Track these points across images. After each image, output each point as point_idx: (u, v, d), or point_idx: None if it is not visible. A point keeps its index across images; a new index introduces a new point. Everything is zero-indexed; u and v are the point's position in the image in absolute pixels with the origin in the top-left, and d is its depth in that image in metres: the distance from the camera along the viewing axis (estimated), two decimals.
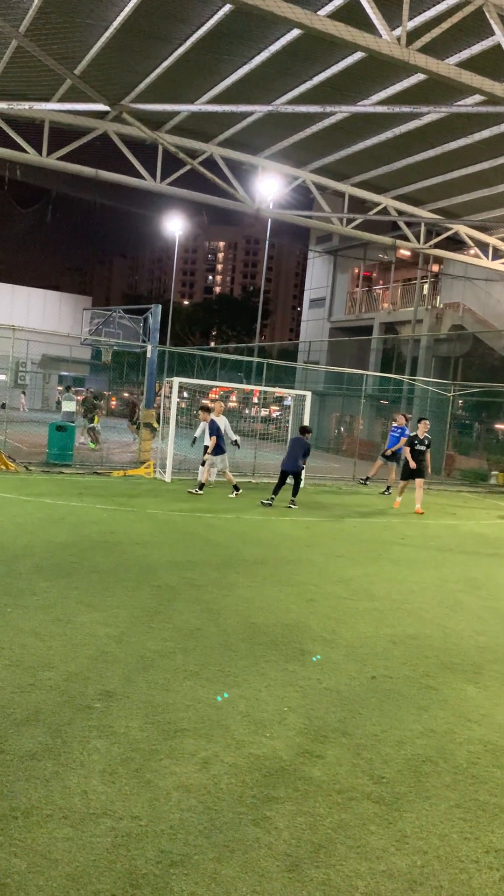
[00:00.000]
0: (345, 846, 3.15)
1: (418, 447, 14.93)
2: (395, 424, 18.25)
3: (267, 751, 3.94)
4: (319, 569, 8.72)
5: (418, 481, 14.91)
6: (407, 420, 18.35)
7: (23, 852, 2.89)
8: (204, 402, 17.52)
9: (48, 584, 6.81)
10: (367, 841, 3.21)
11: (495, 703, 4.95)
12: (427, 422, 15.27)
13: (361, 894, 2.84)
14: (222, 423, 15.98)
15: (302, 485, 14.77)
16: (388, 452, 18.18)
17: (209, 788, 3.50)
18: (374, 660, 5.58)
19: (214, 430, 14.49)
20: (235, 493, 14.61)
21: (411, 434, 15.49)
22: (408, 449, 15.08)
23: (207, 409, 15.22)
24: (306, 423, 18.13)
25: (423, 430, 14.92)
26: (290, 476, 14.18)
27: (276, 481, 14.51)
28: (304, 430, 14.75)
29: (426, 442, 14.94)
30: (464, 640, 6.32)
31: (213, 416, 15.61)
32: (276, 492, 14.12)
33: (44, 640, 5.32)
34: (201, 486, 14.55)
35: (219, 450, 14.56)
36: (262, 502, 13.78)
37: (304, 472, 14.47)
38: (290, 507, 13.72)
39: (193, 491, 14.47)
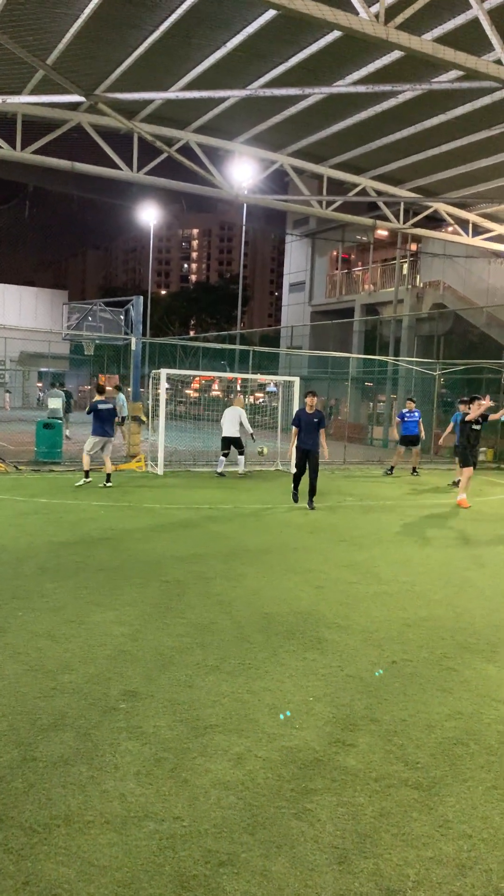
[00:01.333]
0: (389, 834, 3.14)
1: (475, 427, 13.41)
2: (406, 410, 17.92)
3: (299, 742, 3.92)
4: (325, 555, 8.71)
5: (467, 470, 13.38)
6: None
7: (70, 860, 2.85)
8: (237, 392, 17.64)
9: (55, 585, 6.75)
10: (410, 828, 3.20)
11: None
12: (481, 401, 13.33)
13: (413, 882, 2.83)
14: (237, 414, 16.08)
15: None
16: (400, 437, 17.99)
17: (247, 784, 3.48)
18: (391, 644, 5.57)
19: (92, 407, 13.67)
20: (84, 480, 13.63)
21: (465, 415, 13.63)
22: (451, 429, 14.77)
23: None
24: (294, 408, 18.10)
25: (476, 412, 13.14)
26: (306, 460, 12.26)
27: (270, 467, 14.46)
28: (306, 396, 12.83)
29: (479, 421, 13.40)
30: (476, 620, 6.33)
31: (234, 405, 16.37)
32: (298, 481, 12.60)
33: (59, 642, 5.27)
34: (107, 477, 13.66)
35: (98, 430, 13.64)
36: (295, 497, 12.52)
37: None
38: (309, 508, 12.06)
39: (79, 482, 13.60)
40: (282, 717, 4.21)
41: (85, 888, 2.71)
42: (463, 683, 4.88)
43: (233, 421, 16.14)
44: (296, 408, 17.81)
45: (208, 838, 3.04)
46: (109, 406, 13.90)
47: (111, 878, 2.77)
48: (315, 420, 12.27)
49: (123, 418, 21.80)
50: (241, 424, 16.08)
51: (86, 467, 13.81)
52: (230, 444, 16.27)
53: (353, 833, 3.13)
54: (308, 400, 12.51)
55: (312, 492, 12.26)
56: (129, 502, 12.02)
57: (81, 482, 13.60)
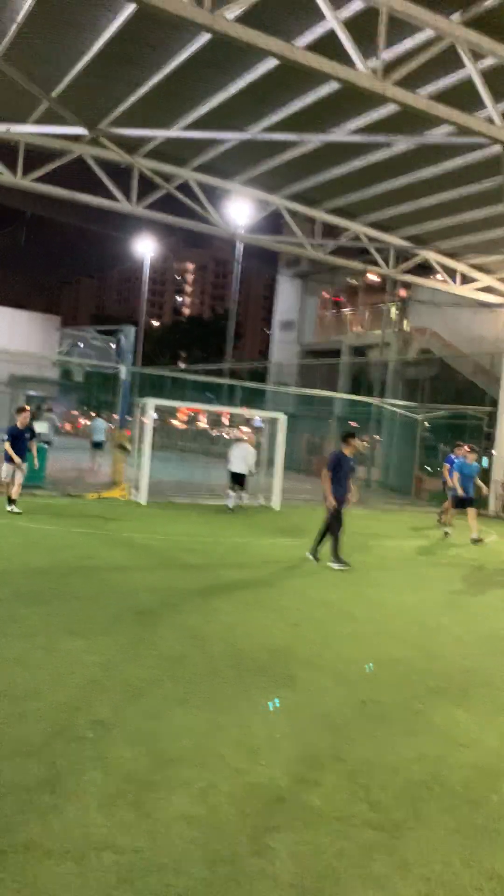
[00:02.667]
0: (348, 875, 3.14)
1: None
2: (456, 456, 15.84)
3: (263, 779, 3.92)
4: (300, 592, 8.72)
5: (471, 510, 14.80)
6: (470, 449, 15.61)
7: (26, 889, 2.83)
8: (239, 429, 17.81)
9: (29, 612, 6.72)
10: (370, 869, 3.20)
11: (483, 726, 4.99)
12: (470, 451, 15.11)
13: None
14: (246, 451, 16.45)
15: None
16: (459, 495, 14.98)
17: (209, 819, 3.47)
18: (362, 684, 5.59)
19: (11, 434, 12.94)
20: (10, 507, 12.60)
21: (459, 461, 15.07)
22: (457, 475, 14.69)
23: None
24: (280, 444, 18.18)
25: (472, 458, 14.98)
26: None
27: (253, 502, 14.48)
28: (345, 437, 11.07)
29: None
30: (448, 663, 6.37)
31: (246, 442, 16.77)
32: (323, 540, 10.65)
33: (29, 669, 5.24)
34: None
35: (17, 454, 12.69)
36: (310, 556, 10.70)
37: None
38: (338, 566, 10.26)
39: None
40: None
41: None
42: (430, 726, 4.90)
43: (243, 458, 16.32)
44: (281, 444, 17.92)
45: (167, 872, 3.03)
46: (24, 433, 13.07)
47: None
48: (353, 467, 10.98)
49: (101, 443, 21.88)
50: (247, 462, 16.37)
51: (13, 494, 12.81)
52: (238, 479, 16.34)
53: (312, 872, 3.13)
54: (354, 442, 11.00)
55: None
56: (108, 531, 12.00)
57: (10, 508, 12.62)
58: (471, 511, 14.67)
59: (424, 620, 7.92)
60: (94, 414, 24.57)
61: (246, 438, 17.13)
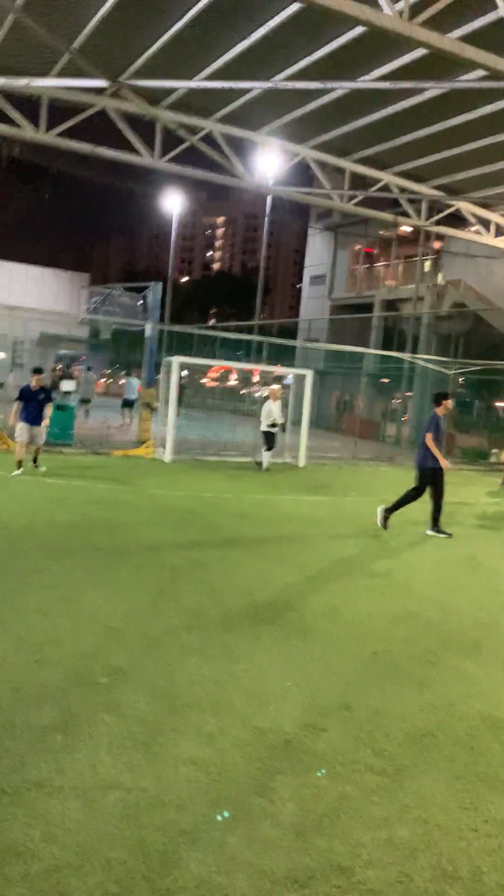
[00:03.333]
0: (348, 816, 3.24)
1: None
2: None
3: (271, 725, 4.03)
4: (321, 547, 8.80)
5: None
6: None
7: (37, 822, 2.98)
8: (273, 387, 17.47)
9: (52, 564, 6.89)
10: (369, 812, 3.30)
11: (494, 678, 5.04)
12: None
13: (364, 861, 2.93)
14: (268, 408, 16.22)
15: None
16: None
17: (214, 761, 3.59)
18: (375, 637, 5.66)
19: (24, 395, 12.54)
20: (18, 470, 12.11)
21: None
22: None
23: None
24: (307, 401, 18.10)
25: None
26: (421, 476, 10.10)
27: (279, 459, 14.46)
28: (438, 398, 10.68)
29: None
30: (463, 618, 6.41)
31: (269, 399, 16.20)
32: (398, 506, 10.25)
33: (49, 617, 5.40)
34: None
35: (28, 416, 12.39)
36: (383, 519, 10.22)
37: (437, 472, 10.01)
38: (440, 535, 10.03)
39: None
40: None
41: (47, 848, 2.83)
42: (441, 678, 4.96)
43: (268, 415, 16.17)
44: (307, 401, 17.84)
45: (171, 809, 3.16)
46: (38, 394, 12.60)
47: (73, 840, 2.89)
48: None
49: (132, 401, 22.04)
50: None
51: (18, 457, 12.35)
52: (267, 437, 16.17)
53: (312, 813, 3.24)
54: (447, 403, 10.67)
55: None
56: (133, 487, 12.16)
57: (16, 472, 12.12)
58: None
59: (443, 576, 7.95)
60: (126, 373, 24.71)
61: (268, 394, 16.91)
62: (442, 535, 10.05)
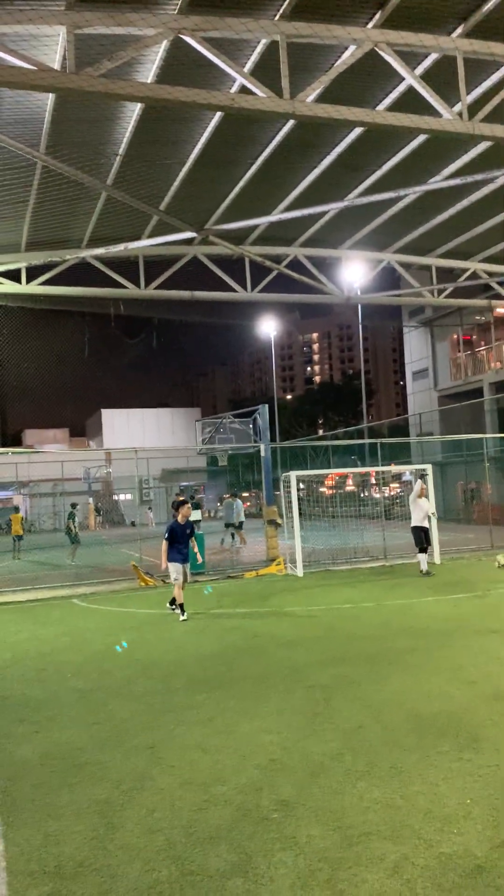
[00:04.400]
0: None
1: None
2: None
3: (458, 848, 3.75)
4: (475, 649, 8.35)
5: None
6: None
7: None
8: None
9: (204, 697, 6.88)
10: None
11: None
12: None
13: None
14: (425, 505, 15.27)
15: None
16: None
17: (405, 895, 3.35)
18: None
19: (173, 533, 11.36)
20: (177, 611, 11.22)
21: None
22: None
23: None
24: (431, 497, 17.67)
25: None
26: None
27: (411, 560, 13.92)
28: None
29: None
30: None
31: (420, 495, 15.10)
32: None
33: (210, 753, 5.35)
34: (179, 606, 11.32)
35: (179, 555, 11.29)
36: None
37: None
38: None
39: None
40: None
41: None
42: None
43: (423, 510, 15.28)
44: (431, 496, 17.43)
45: None
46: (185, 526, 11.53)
47: None
48: None
49: (241, 523, 22.55)
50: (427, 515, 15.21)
51: (179, 600, 11.36)
52: (425, 536, 15.30)
53: None
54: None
55: None
56: (270, 607, 12.10)
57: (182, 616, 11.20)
58: None
59: None
60: (227, 496, 25.31)
61: (419, 491, 15.53)
62: None
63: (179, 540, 11.35)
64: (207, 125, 12.19)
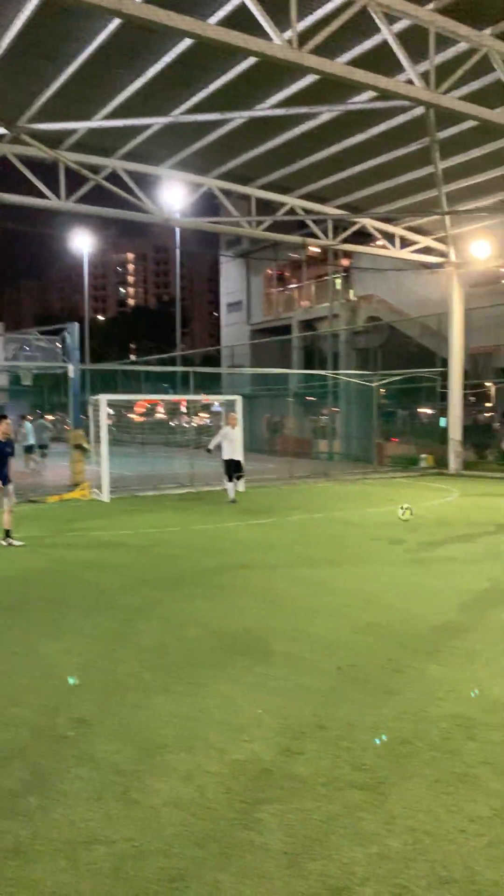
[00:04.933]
0: (337, 835, 3.22)
1: None
2: None
3: (248, 755, 3.98)
4: (276, 570, 8.80)
5: None
6: None
7: (21, 891, 2.84)
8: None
9: (2, 620, 6.67)
10: (358, 827, 3.28)
11: (458, 678, 5.11)
12: None
13: (360, 879, 2.91)
14: (237, 435, 15.72)
15: None
16: None
17: (197, 800, 3.51)
18: (340, 652, 5.68)
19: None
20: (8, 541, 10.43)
21: None
22: None
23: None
24: (239, 426, 18.12)
25: None
26: None
27: (218, 487, 14.36)
28: None
29: None
30: (421, 623, 6.50)
31: (231, 425, 15.61)
32: None
33: (7, 675, 5.22)
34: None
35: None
36: None
37: None
38: None
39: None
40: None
41: None
42: (408, 684, 5.01)
43: (236, 441, 15.57)
44: (240, 425, 17.87)
45: (159, 856, 3.06)
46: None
47: None
48: None
49: (31, 447, 22.09)
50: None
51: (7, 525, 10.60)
52: (235, 466, 15.63)
53: (301, 838, 3.20)
54: None
55: None
56: (75, 532, 11.92)
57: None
58: None
59: (399, 584, 8.05)
60: (27, 418, 24.50)
61: (229, 422, 16.11)
62: None
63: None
64: (21, 11, 11.08)
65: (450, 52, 11.85)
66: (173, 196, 19.60)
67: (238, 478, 15.64)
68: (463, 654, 5.61)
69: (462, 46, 11.65)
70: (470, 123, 13.94)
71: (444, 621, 6.52)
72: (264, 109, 14.25)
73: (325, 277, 34.18)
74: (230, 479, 15.49)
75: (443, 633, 6.15)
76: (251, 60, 12.50)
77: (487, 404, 29.03)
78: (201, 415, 29.62)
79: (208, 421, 26.39)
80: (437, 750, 4.03)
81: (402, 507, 10.76)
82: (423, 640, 5.96)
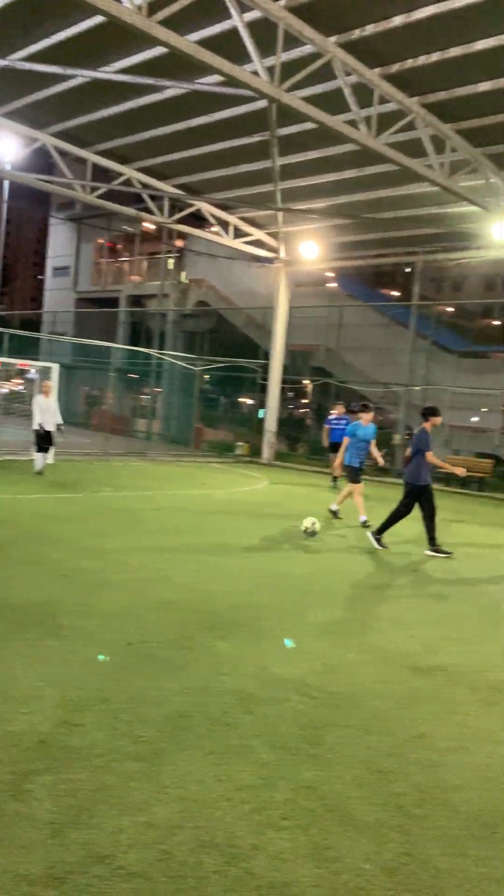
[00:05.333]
0: (107, 805, 3.23)
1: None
2: (333, 415, 16.99)
3: (24, 726, 3.88)
4: (75, 544, 8.61)
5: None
6: (349, 411, 15.87)
7: None
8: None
9: None
10: (128, 797, 3.31)
11: (244, 654, 5.31)
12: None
13: (125, 846, 2.94)
14: (54, 404, 15.20)
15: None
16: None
17: None
18: (132, 628, 5.68)
19: None
20: None
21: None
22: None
23: None
24: (51, 393, 17.48)
25: (368, 418, 11.69)
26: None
27: (26, 457, 13.83)
28: (427, 414, 9.91)
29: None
30: (216, 601, 6.67)
31: (46, 394, 15.12)
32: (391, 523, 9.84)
33: None
34: None
35: None
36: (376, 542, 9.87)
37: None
38: (437, 554, 9.58)
39: None
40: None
41: None
42: (196, 661, 5.12)
43: (52, 411, 15.05)
44: (53, 395, 17.27)
45: None
46: None
47: None
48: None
49: None
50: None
51: None
52: (49, 437, 15.00)
53: (70, 808, 3.17)
54: (435, 420, 9.90)
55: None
56: None
57: None
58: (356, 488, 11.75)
59: (198, 563, 8.19)
60: None
61: (43, 390, 15.65)
62: (441, 555, 9.54)
63: None
64: None
65: (296, 53, 12.12)
66: (4, 146, 18.49)
67: (46, 449, 15.13)
68: (252, 633, 5.83)
69: (308, 49, 11.97)
70: (310, 125, 14.39)
71: (237, 601, 6.73)
72: (108, 73, 13.81)
73: (158, 255, 33.87)
74: (39, 450, 14.95)
75: (235, 612, 6.35)
76: (99, 19, 12.06)
77: (304, 400, 30.31)
78: (15, 380, 28.28)
79: (22, 388, 25.22)
80: (215, 723, 4.16)
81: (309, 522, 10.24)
82: (215, 618, 6.12)
